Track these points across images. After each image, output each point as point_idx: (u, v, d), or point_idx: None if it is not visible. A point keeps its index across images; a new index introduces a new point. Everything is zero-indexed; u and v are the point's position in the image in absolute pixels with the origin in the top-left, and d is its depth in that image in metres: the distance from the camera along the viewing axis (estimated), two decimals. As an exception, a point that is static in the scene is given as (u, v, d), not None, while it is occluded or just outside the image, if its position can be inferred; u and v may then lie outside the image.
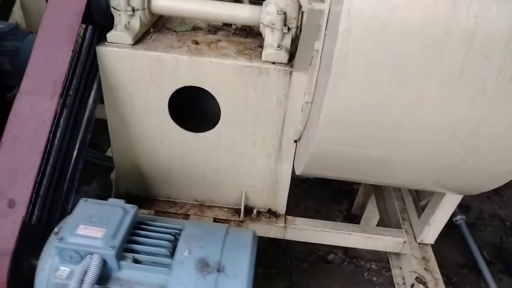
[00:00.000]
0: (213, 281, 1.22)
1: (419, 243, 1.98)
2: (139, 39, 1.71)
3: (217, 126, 1.82)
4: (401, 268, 2.10)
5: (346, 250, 2.88)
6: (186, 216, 2.03)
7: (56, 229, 1.32)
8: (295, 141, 1.79)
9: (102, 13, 1.69)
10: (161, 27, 1.87)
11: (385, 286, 2.73)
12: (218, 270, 1.24)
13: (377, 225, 2.69)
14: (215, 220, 2.02)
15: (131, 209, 1.34)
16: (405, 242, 2.01)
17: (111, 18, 1.71)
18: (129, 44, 1.66)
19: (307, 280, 2.67)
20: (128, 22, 1.68)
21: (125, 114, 1.82)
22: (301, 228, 2.03)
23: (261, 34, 1.83)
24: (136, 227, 1.33)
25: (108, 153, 2.84)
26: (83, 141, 1.71)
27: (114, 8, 1.66)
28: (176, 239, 1.33)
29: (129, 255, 1.25)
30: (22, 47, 2.93)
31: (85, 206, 1.33)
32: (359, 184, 3.28)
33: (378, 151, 1.26)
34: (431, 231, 1.92)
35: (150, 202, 2.08)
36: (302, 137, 1.55)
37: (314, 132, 1.23)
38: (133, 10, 1.65)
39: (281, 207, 2.06)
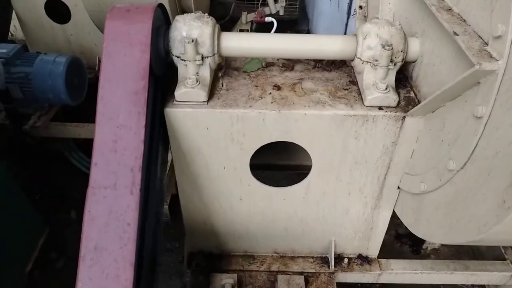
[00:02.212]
0: None
1: (531, 277, 1.80)
2: (210, 91, 1.41)
3: (306, 178, 1.57)
4: (503, 297, 1.93)
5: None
6: (269, 273, 1.81)
7: None
8: (399, 187, 1.56)
9: (161, 62, 1.39)
10: (227, 67, 1.56)
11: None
12: None
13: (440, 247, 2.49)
14: (303, 274, 1.80)
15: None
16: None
17: (171, 67, 1.41)
18: (203, 101, 1.37)
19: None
20: (197, 73, 1.37)
21: (199, 175, 1.55)
22: (398, 272, 1.83)
23: (345, 62, 1.55)
24: None
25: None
26: (159, 220, 1.46)
27: (178, 57, 1.35)
28: None
29: None
30: (33, 72, 2.62)
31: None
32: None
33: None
34: (548, 264, 1.73)
35: (226, 258, 1.85)
36: (431, 202, 1.30)
37: (486, 222, 0.99)
38: (203, 58, 1.34)
39: (374, 252, 1.85)
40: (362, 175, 1.53)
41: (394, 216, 1.71)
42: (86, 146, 3.28)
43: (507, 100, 0.94)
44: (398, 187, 1.56)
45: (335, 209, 1.66)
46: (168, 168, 2.11)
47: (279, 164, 2.02)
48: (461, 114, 1.13)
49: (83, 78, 2.81)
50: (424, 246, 2.74)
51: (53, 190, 3.27)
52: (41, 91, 2.69)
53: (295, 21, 3.78)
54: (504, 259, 1.88)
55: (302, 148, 1.47)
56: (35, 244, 2.86)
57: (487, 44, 1.01)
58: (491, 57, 0.96)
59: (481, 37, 1.05)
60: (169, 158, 1.59)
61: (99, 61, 3.17)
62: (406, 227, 2.47)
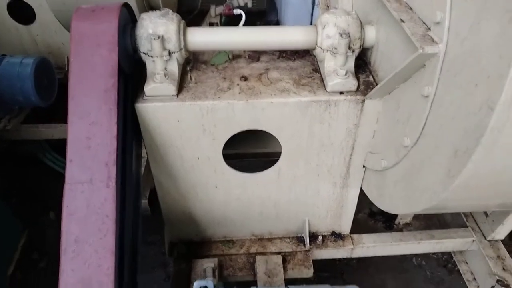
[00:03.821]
0: None
1: (490, 241, 1.95)
2: (180, 84, 1.47)
3: (277, 163, 1.65)
4: (467, 263, 2.08)
5: (389, 239, 2.86)
6: (248, 255, 1.90)
7: None
8: (364, 166, 1.66)
9: (129, 60, 1.43)
10: (195, 61, 1.61)
11: (434, 269, 2.75)
12: None
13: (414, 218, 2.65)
14: (281, 253, 1.89)
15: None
16: (473, 240, 1.97)
17: (139, 64, 1.45)
18: (173, 95, 1.42)
19: (359, 277, 2.65)
20: (165, 68, 1.42)
21: (174, 167, 1.61)
22: (370, 246, 1.95)
23: (308, 51, 1.63)
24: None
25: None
26: (137, 212, 1.51)
27: (145, 54, 1.40)
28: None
29: None
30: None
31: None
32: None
33: (500, 199, 1.15)
34: (504, 229, 1.88)
35: (207, 245, 1.92)
36: (392, 177, 1.40)
37: (438, 192, 1.09)
38: (170, 53, 1.39)
39: (346, 228, 1.96)
40: (329, 157, 1.62)
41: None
42: (59, 146, 3.27)
43: (448, 80, 1.04)
44: (364, 166, 1.66)
45: (306, 190, 1.75)
46: (144, 162, 2.15)
47: (253, 152, 2.09)
48: (412, 95, 1.23)
49: (52, 79, 2.78)
50: (396, 222, 2.89)
51: (30, 192, 3.24)
52: (10, 93, 2.65)
53: (264, 12, 3.82)
54: (466, 227, 2.02)
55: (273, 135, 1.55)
56: (16, 247, 2.85)
57: (430, 29, 1.11)
58: (433, 41, 1.06)
59: (425, 23, 1.15)
60: (145, 153, 1.64)
61: (68, 60, 3.13)
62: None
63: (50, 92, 2.81)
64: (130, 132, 1.48)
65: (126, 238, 1.36)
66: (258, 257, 1.84)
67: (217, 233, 1.93)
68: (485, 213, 1.98)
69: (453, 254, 2.15)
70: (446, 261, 2.82)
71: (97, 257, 1.21)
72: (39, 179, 3.31)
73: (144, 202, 2.72)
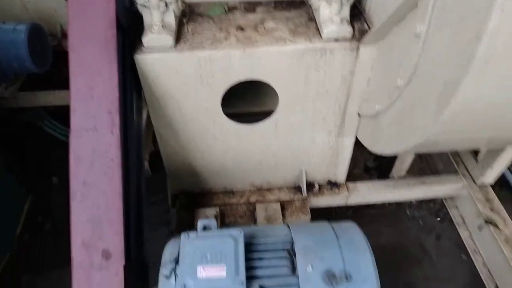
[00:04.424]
0: (344, 291, 1.21)
1: (479, 186, 2.03)
2: (177, 36, 1.49)
3: (274, 113, 1.69)
4: (457, 208, 2.18)
5: (384, 192, 2.96)
6: (249, 204, 1.98)
7: (165, 272, 1.25)
8: (359, 114, 1.71)
9: (125, 13, 1.44)
10: (191, 13, 1.62)
11: (426, 218, 2.87)
12: (346, 278, 1.23)
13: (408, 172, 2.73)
14: (280, 202, 1.97)
15: (239, 234, 1.26)
16: (464, 186, 2.06)
17: (136, 17, 1.46)
18: (170, 46, 1.44)
19: (354, 227, 2.76)
20: (162, 19, 1.44)
21: (174, 119, 1.65)
22: (365, 193, 2.04)
23: (303, 2, 1.64)
24: (246, 249, 1.27)
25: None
26: (141, 162, 1.57)
27: (142, 5, 1.41)
28: (290, 254, 1.29)
29: (254, 283, 1.21)
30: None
31: (192, 243, 1.25)
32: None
33: (488, 133, 1.21)
34: (493, 173, 1.97)
35: (208, 196, 2.00)
36: (385, 119, 1.46)
37: (426, 126, 1.15)
38: (166, 4, 1.41)
39: (342, 177, 2.04)
40: (324, 105, 1.67)
41: (363, 151, 1.88)
42: (58, 113, 3.28)
43: (439, 17, 1.07)
44: (358, 114, 1.71)
45: (302, 139, 1.81)
46: (145, 117, 2.19)
47: (252, 111, 2.12)
48: (405, 36, 1.26)
49: (46, 45, 2.76)
50: (390, 176, 2.99)
51: (31, 159, 3.28)
52: (5, 61, 2.65)
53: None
54: (457, 173, 2.11)
55: (272, 94, 1.59)
56: (21, 210, 2.93)
57: (422, -32, 1.13)
58: (425, -22, 1.08)
59: (417, -38, 1.16)
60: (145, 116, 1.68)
61: (62, 28, 3.09)
62: (374, 160, 2.68)
63: (45, 58, 2.80)
64: (130, 85, 1.52)
65: (131, 185, 1.42)
66: (258, 205, 1.92)
67: (218, 184, 2.01)
68: (475, 159, 2.06)
69: (444, 202, 2.25)
70: (438, 210, 2.94)
71: (105, 199, 1.27)
72: (39, 147, 3.34)
73: (145, 164, 2.78)
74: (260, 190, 2.04)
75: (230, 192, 2.01)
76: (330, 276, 1.23)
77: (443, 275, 2.63)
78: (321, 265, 1.25)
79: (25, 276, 2.68)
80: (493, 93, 1.03)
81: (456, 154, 2.18)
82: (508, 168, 2.83)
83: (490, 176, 1.97)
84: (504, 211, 1.92)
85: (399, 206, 2.97)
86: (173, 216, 2.42)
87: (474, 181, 2.05)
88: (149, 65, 1.46)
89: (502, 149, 1.82)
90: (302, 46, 1.46)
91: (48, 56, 2.83)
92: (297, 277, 1.23)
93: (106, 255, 1.26)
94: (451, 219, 2.18)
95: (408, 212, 2.94)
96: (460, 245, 2.36)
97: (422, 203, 2.98)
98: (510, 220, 1.89)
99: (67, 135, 2.29)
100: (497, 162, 1.89)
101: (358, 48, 1.47)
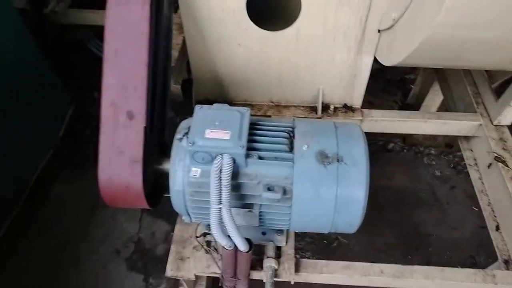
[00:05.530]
0: (334, 170, 1.32)
1: (496, 125, 2.03)
2: None
3: (296, 21, 1.76)
4: (472, 150, 2.19)
5: (404, 139, 2.99)
6: (266, 117, 2.10)
7: (178, 136, 1.41)
8: (379, 31, 1.75)
9: None
10: None
11: (443, 168, 2.89)
12: (338, 160, 1.33)
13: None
14: (294, 118, 2.07)
15: (246, 111, 1.39)
16: (480, 125, 2.06)
17: None
18: None
19: (369, 168, 2.84)
20: None
21: (201, 18, 1.77)
22: (378, 120, 2.10)
23: None
24: (252, 127, 1.40)
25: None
26: (167, 49, 1.71)
27: None
28: (291, 136, 1.41)
29: (253, 153, 1.34)
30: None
31: (203, 112, 1.39)
32: (413, 73, 3.25)
33: (496, 31, 1.23)
34: (511, 112, 1.95)
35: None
36: (399, 25, 1.50)
37: (432, 17, 1.19)
38: None
39: (358, 101, 2.10)
40: (345, 18, 1.72)
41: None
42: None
43: None
44: (378, 31, 1.75)
45: (322, 55, 1.88)
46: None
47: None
48: None
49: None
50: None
51: (76, 74, 3.56)
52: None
53: None
54: (476, 113, 2.11)
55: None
56: (65, 115, 3.23)
57: None
58: None
59: None
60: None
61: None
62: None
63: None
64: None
65: (158, 65, 1.56)
66: (273, 117, 2.04)
67: (239, 96, 2.13)
68: (496, 99, 2.05)
69: (460, 144, 2.26)
70: (456, 163, 2.95)
71: (133, 67, 1.43)
72: (84, 63, 3.61)
73: (177, 87, 2.95)
74: (277, 106, 2.14)
75: (249, 105, 2.13)
76: (323, 156, 1.34)
77: (451, 223, 2.69)
78: (316, 146, 1.36)
79: (63, 169, 3.00)
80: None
81: (478, 95, 2.17)
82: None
83: (508, 115, 1.96)
84: (517, 150, 1.92)
85: (416, 153, 3.01)
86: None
87: (491, 121, 2.04)
88: (183, -44, 1.57)
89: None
90: None
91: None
92: (293, 154, 1.35)
93: (130, 115, 1.43)
94: (468, 173, 2.19)
95: (425, 160, 2.97)
96: (473, 197, 2.39)
97: (441, 154, 3.00)
98: (521, 159, 1.89)
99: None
100: (516, 100, 1.88)
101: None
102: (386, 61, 1.67)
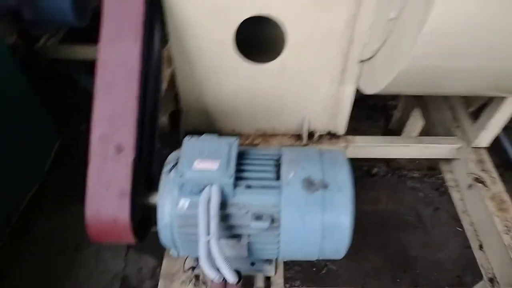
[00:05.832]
0: (320, 196, 1.36)
1: (474, 147, 2.12)
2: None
3: (282, 54, 1.85)
4: (452, 172, 2.26)
5: (388, 163, 3.06)
6: (254, 146, 2.15)
7: (167, 167, 1.43)
8: (361, 61, 1.84)
9: None
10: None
11: (427, 191, 2.96)
12: (323, 187, 1.37)
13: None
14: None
15: (234, 141, 1.43)
16: (460, 147, 2.15)
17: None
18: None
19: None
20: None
21: (191, 50, 1.83)
22: (362, 145, 2.16)
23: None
24: (240, 157, 1.44)
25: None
26: (157, 82, 1.76)
27: None
28: (278, 164, 1.45)
29: (241, 182, 1.37)
30: (39, -8, 2.85)
31: (192, 144, 1.43)
32: (395, 99, 3.38)
33: (471, 61, 1.31)
34: (487, 135, 2.04)
35: (216, 136, 2.18)
36: (379, 56, 1.59)
37: (410, 48, 1.27)
38: None
39: (341, 128, 2.17)
40: (329, 49, 1.80)
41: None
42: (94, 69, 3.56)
43: None
44: (360, 61, 1.84)
45: (307, 85, 1.96)
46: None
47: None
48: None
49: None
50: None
51: (63, 108, 3.58)
52: (49, 13, 2.93)
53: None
54: (455, 136, 2.20)
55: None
56: (52, 149, 3.23)
57: None
58: None
59: None
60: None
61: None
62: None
63: (86, 11, 3.07)
64: (155, 11, 1.71)
65: (148, 97, 1.61)
66: (261, 146, 2.09)
67: (227, 125, 2.18)
68: (473, 122, 2.14)
69: (440, 167, 2.33)
70: (439, 185, 3.03)
71: (123, 100, 1.47)
72: (72, 96, 3.64)
73: (164, 119, 2.99)
74: (264, 135, 2.20)
75: (238, 135, 2.18)
76: (308, 183, 1.38)
77: (436, 244, 2.73)
78: (302, 173, 1.40)
79: (48, 204, 2.96)
80: (470, 7, 1.12)
81: (456, 120, 2.26)
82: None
83: (484, 138, 2.05)
84: (495, 172, 2.00)
85: (400, 177, 3.08)
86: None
87: (469, 143, 2.13)
88: (172, -5, 1.65)
89: (496, 110, 1.91)
90: (313, -15, 1.61)
91: (88, 10, 3.10)
92: (280, 181, 1.39)
93: (119, 148, 1.46)
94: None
95: (409, 184, 3.04)
96: (456, 218, 2.45)
97: (424, 177, 3.08)
98: (500, 180, 1.96)
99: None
100: (490, 124, 1.97)
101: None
102: (367, 90, 1.75)
